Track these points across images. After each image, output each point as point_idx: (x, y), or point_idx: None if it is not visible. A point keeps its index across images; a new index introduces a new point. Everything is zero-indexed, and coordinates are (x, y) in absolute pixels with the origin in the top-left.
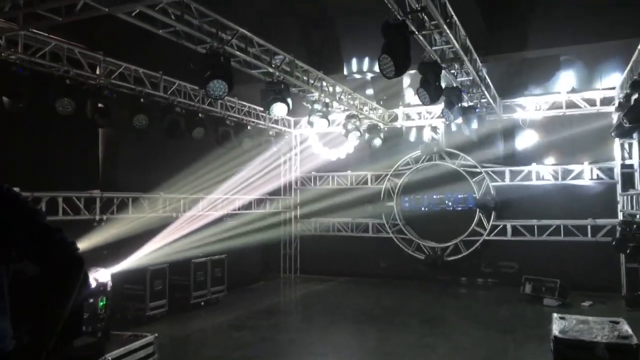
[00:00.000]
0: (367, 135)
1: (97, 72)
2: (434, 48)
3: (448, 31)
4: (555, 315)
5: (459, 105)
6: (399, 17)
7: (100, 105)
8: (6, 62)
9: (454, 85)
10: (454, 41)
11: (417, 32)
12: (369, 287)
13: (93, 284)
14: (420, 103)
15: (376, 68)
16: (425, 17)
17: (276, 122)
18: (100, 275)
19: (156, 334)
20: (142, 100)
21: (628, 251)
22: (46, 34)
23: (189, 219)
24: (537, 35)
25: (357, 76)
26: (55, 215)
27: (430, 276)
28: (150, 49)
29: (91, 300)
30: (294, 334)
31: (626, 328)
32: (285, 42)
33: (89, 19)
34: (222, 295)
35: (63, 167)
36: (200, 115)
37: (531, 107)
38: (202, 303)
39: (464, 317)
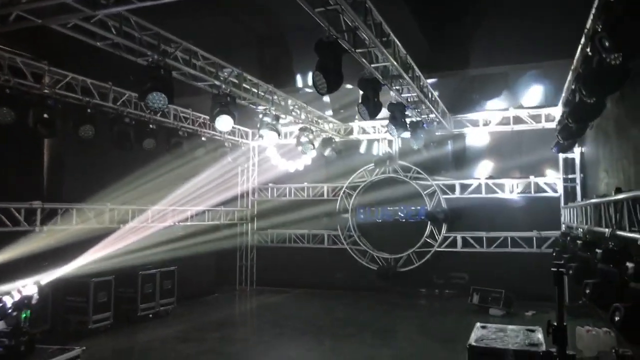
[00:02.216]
0: (321, 148)
1: (45, 81)
2: (373, 65)
3: (384, 50)
4: (477, 324)
5: (403, 120)
6: (332, 35)
7: (44, 115)
8: None
9: (398, 100)
10: (392, 59)
11: (352, 50)
12: (322, 298)
13: (16, 297)
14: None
15: None
16: (363, 35)
17: (233, 133)
18: (25, 288)
19: (84, 347)
20: (89, 110)
21: (562, 262)
22: None
23: (136, 229)
24: (479, 54)
25: (309, 90)
26: None
27: (383, 287)
28: (101, 59)
29: (14, 313)
30: (239, 346)
31: (539, 336)
32: (237, 57)
33: (36, 28)
34: (171, 307)
35: (4, 177)
36: (151, 126)
37: (480, 122)
38: (150, 315)
39: (410, 328)
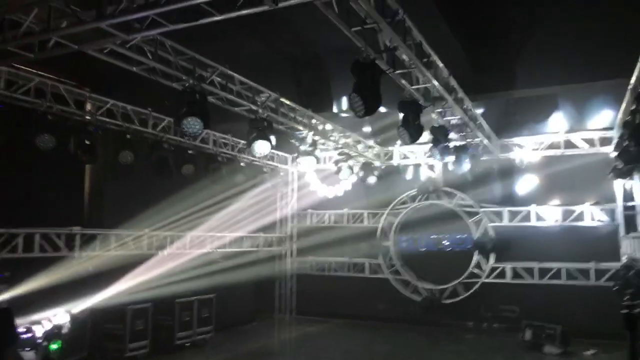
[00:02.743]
0: (361, 173)
1: (87, 108)
2: (414, 87)
3: (425, 71)
4: None
5: (446, 144)
6: (370, 56)
7: (86, 141)
8: None
9: (440, 124)
10: (433, 81)
11: (390, 71)
12: (363, 329)
13: (47, 326)
14: (418, 142)
15: None
16: (403, 56)
17: (272, 158)
18: (56, 317)
19: None
20: (128, 136)
21: (625, 298)
22: (33, 70)
23: (174, 256)
24: (526, 75)
25: (345, 115)
26: (30, 252)
27: (426, 320)
28: (141, 85)
29: (44, 344)
30: None
31: None
32: (274, 82)
33: (80, 56)
34: (209, 336)
35: (46, 203)
36: (190, 151)
37: (529, 146)
38: (188, 344)
39: None
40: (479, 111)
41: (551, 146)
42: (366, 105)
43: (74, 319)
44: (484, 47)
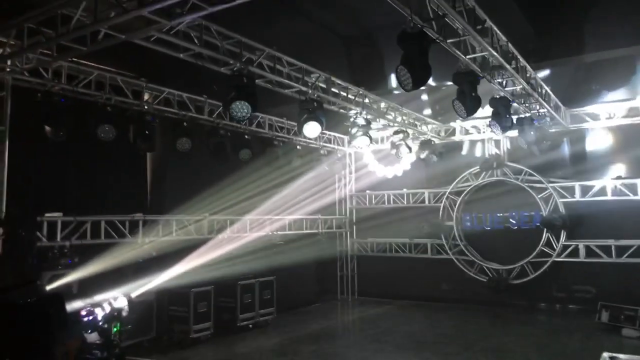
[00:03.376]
0: (420, 151)
1: (145, 98)
2: (469, 56)
3: (480, 38)
4: (605, 355)
5: (508, 116)
6: (418, 25)
7: (144, 130)
8: (50, 92)
9: (501, 95)
10: (490, 48)
11: (440, 40)
12: (427, 311)
13: (107, 309)
14: (479, 115)
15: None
16: (454, 23)
17: (328, 140)
18: (116, 301)
19: None
20: (185, 124)
21: None
22: (93, 64)
23: (234, 239)
24: (596, 37)
25: (400, 91)
26: (97, 239)
27: (494, 300)
28: (197, 73)
29: (105, 326)
30: None
31: None
32: (324, 61)
33: (136, 48)
34: (271, 317)
35: (111, 192)
36: (246, 136)
37: (603, 115)
38: (250, 326)
39: (526, 349)
40: (545, 79)
41: (627, 114)
42: (414, 77)
43: (134, 301)
44: (547, 8)
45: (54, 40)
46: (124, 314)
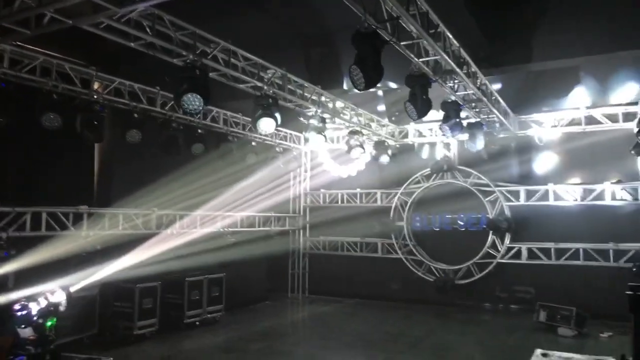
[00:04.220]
0: (374, 152)
1: (95, 87)
2: (422, 59)
3: (432, 42)
4: (537, 351)
5: (458, 120)
6: (371, 26)
7: (92, 120)
8: None
9: (452, 99)
10: (442, 52)
11: (394, 42)
12: (375, 309)
13: (43, 303)
14: (433, 119)
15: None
16: (408, 26)
17: (284, 138)
18: (54, 295)
19: (111, 358)
20: (135, 115)
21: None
22: (39, 49)
23: (183, 234)
24: (545, 47)
25: (357, 92)
26: (38, 230)
27: (440, 300)
28: (150, 64)
29: (40, 321)
30: (281, 359)
31: None
32: (282, 58)
33: (87, 35)
34: (219, 315)
35: (55, 182)
36: (200, 130)
37: (548, 123)
38: (197, 323)
39: (468, 346)
40: (495, 86)
41: (571, 122)
42: (367, 78)
43: (76, 296)
44: (499, 17)
45: None
46: (61, 308)
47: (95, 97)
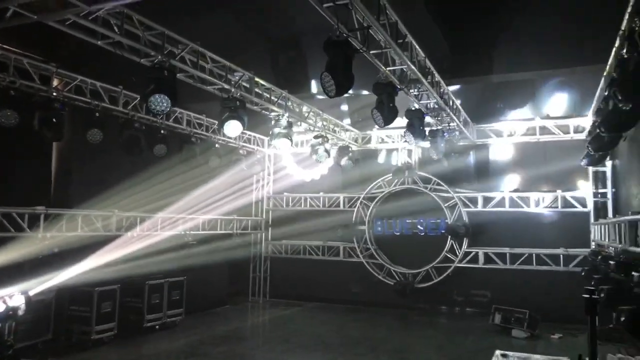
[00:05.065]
0: (338, 157)
1: (54, 84)
2: (389, 68)
3: (400, 51)
4: (497, 352)
5: (421, 127)
6: (343, 34)
7: (51, 118)
8: None
9: (416, 107)
10: (408, 62)
11: (364, 50)
12: (336, 313)
13: (1, 308)
14: (396, 126)
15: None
16: (378, 35)
17: (248, 140)
18: (12, 299)
19: None
20: (97, 114)
21: (592, 283)
22: None
23: (144, 237)
24: (504, 60)
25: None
26: None
27: (400, 303)
28: (113, 62)
29: None
30: None
31: None
32: (249, 61)
33: (48, 30)
34: (179, 319)
35: (10, 181)
36: (162, 131)
37: (505, 132)
38: (157, 327)
39: (427, 349)
40: (456, 95)
41: (526, 132)
42: (337, 85)
43: (33, 300)
44: (463, 30)
45: None
46: (20, 312)
47: (54, 94)
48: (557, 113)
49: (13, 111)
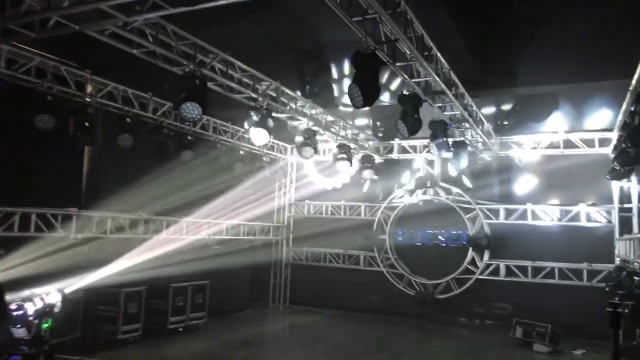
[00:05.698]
0: (360, 166)
1: (88, 90)
2: (414, 80)
3: (425, 64)
4: None
5: (444, 139)
6: (371, 47)
7: (85, 123)
8: None
9: (440, 118)
10: (434, 74)
11: (390, 63)
12: (356, 321)
13: (39, 305)
14: (418, 136)
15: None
16: (405, 48)
17: (271, 148)
18: (49, 296)
19: None
20: (128, 119)
21: (616, 299)
22: (35, 50)
23: (169, 241)
24: (528, 73)
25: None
26: (26, 231)
27: (420, 314)
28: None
29: (35, 321)
30: None
31: None
32: (276, 71)
33: (83, 38)
34: (202, 322)
35: (45, 184)
36: (189, 137)
37: (528, 145)
38: (180, 329)
39: (446, 359)
40: (479, 107)
41: (550, 145)
42: (364, 96)
43: (66, 298)
44: (488, 43)
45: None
46: (56, 310)
47: (88, 100)
48: (583, 126)
49: (50, 115)
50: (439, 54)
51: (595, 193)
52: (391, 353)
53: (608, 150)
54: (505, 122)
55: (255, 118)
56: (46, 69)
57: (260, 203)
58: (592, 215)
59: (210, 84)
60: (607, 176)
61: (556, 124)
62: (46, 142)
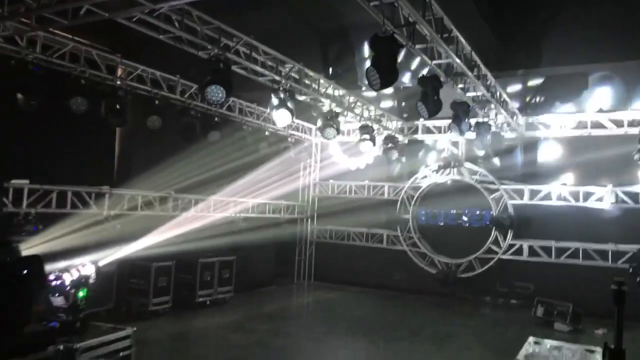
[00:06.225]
0: (383, 146)
1: (119, 73)
2: (435, 62)
3: (445, 45)
4: (530, 339)
5: (467, 120)
6: (389, 30)
7: (116, 105)
8: (24, 61)
9: (462, 100)
10: (454, 56)
11: (410, 46)
12: (378, 298)
13: (75, 275)
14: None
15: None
16: (423, 30)
17: (296, 129)
18: (84, 268)
19: (134, 328)
20: (156, 102)
21: (638, 279)
22: (69, 36)
23: (198, 218)
24: (553, 53)
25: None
26: (63, 208)
27: (441, 292)
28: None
29: (72, 291)
30: (287, 340)
31: (598, 357)
32: (300, 53)
33: (113, 23)
34: (229, 296)
35: (79, 163)
36: (216, 119)
37: (555, 125)
38: (208, 302)
39: (466, 337)
40: (503, 87)
41: (577, 126)
42: (382, 79)
43: (100, 270)
44: (510, 23)
45: (34, 11)
46: (91, 281)
47: (119, 83)
48: (610, 106)
49: (83, 98)
50: (459, 35)
51: (621, 174)
52: (411, 329)
53: (637, 130)
54: (533, 100)
55: (277, 100)
56: (79, 54)
57: (286, 182)
58: (620, 196)
59: (234, 67)
60: (635, 156)
61: (584, 105)
62: (80, 124)
